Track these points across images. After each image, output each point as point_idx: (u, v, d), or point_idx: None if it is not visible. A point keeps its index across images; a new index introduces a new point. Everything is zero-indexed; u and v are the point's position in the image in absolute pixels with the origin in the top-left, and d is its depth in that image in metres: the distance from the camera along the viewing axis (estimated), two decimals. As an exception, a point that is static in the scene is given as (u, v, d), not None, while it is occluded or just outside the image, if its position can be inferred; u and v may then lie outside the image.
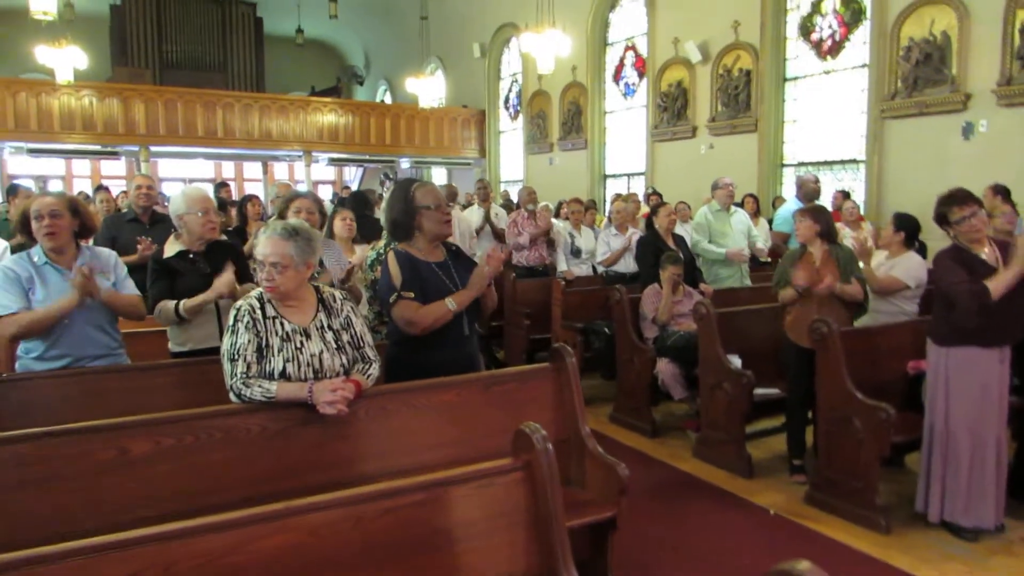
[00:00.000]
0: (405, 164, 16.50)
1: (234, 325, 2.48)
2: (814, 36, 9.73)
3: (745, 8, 10.14)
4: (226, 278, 3.14)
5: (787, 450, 4.42)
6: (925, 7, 8.12)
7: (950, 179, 7.28)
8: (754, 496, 4.12)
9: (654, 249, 5.32)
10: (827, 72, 9.59)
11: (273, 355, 2.46)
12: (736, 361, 4.47)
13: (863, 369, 3.96)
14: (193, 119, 13.80)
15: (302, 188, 15.08)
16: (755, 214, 7.80)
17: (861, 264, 4.48)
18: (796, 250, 4.40)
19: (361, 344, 2.67)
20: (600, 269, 6.68)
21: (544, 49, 10.37)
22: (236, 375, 2.43)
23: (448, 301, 2.87)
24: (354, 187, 16.69)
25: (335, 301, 2.67)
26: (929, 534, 3.63)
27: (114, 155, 14.50)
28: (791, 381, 4.29)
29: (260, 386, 2.41)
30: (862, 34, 9.06)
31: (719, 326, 4.54)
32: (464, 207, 8.51)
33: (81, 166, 18.20)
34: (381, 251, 3.57)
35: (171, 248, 3.35)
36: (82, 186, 16.02)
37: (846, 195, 7.87)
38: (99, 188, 9.76)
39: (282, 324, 2.51)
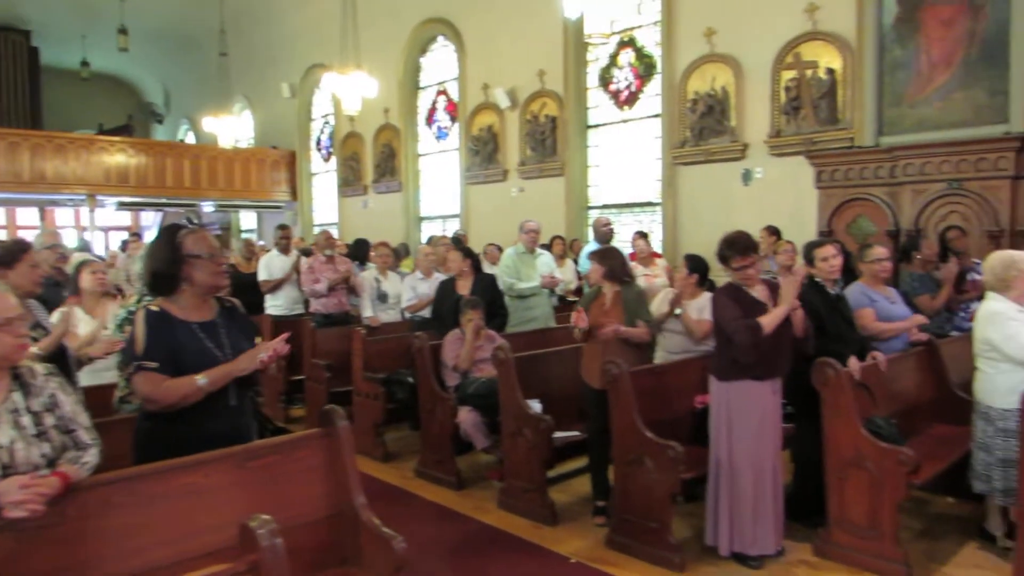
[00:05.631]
0: (208, 208, 15.41)
1: None
2: (612, 87, 10.29)
3: (549, 58, 10.53)
4: None
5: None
6: (707, 64, 8.84)
7: (733, 221, 7.85)
8: (557, 544, 4.01)
9: (451, 294, 5.17)
10: (625, 121, 10.15)
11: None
12: (536, 406, 4.39)
13: (656, 407, 4.01)
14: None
15: (87, 236, 13.59)
16: (562, 256, 7.95)
17: (679, 312, 4.57)
18: (591, 292, 4.42)
19: (72, 427, 2.20)
20: (407, 316, 6.43)
21: (350, 90, 10.12)
22: None
23: (199, 378, 2.44)
24: (153, 233, 15.31)
25: (35, 377, 2.19)
26: (720, 566, 3.70)
27: None
28: (590, 422, 4.26)
29: None
30: (655, 86, 9.69)
31: (520, 370, 4.45)
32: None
33: None
34: (133, 308, 3.10)
35: None
36: None
37: (643, 235, 8.24)
38: None
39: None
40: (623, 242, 9.00)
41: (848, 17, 7.62)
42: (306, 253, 7.67)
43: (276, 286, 6.90)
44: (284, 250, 7.14)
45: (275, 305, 6.97)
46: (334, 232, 13.89)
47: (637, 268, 6.67)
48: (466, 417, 4.68)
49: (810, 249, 4.31)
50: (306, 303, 6.96)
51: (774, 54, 8.17)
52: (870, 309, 4.54)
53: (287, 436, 2.82)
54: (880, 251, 4.67)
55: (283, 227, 7.42)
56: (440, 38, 12.54)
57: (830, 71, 7.82)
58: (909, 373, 4.48)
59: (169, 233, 2.60)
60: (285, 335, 2.56)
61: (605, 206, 10.28)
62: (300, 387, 6.42)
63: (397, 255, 8.68)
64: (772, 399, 3.70)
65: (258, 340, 2.73)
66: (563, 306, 6.96)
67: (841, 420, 3.69)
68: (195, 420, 2.48)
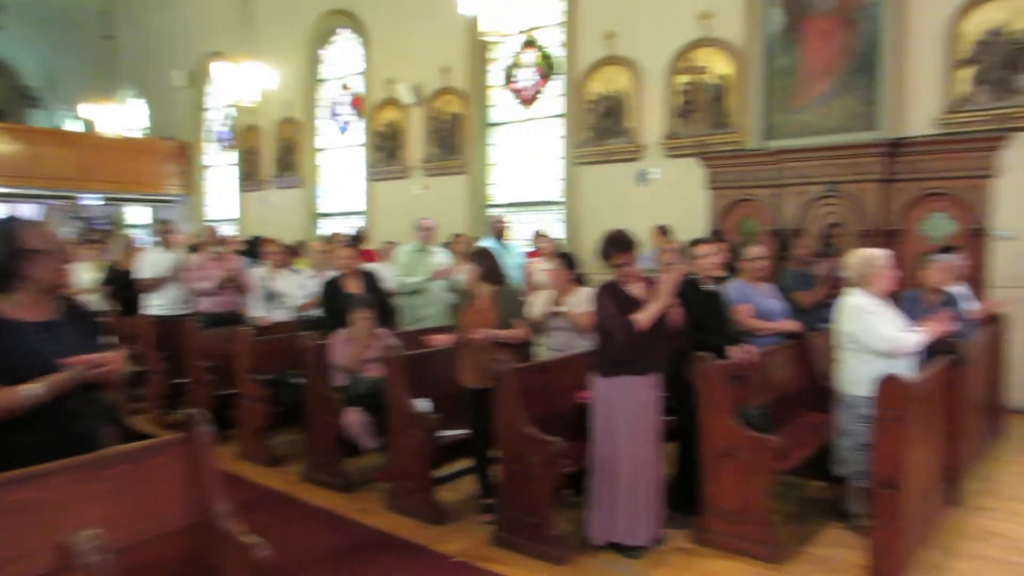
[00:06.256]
0: (94, 201, 14.53)
1: None
2: (515, 86, 10.35)
3: (454, 55, 10.48)
4: None
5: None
6: (606, 67, 9.01)
7: (631, 220, 8.03)
8: (442, 544, 3.99)
9: (337, 292, 5.07)
10: (528, 120, 10.22)
11: None
12: (426, 405, 4.36)
13: (540, 403, 4.05)
14: None
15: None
16: (463, 254, 7.92)
17: (564, 309, 4.63)
18: (468, 293, 4.42)
19: None
20: (298, 314, 6.26)
21: (247, 81, 9.77)
22: None
23: (26, 388, 2.24)
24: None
25: None
26: (599, 557, 3.77)
27: None
28: (471, 421, 4.26)
29: None
30: (557, 86, 9.80)
31: (410, 369, 4.40)
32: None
33: None
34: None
35: None
36: None
37: (543, 234, 8.33)
38: None
39: None
40: (524, 240, 9.09)
41: (737, 25, 7.94)
42: (195, 250, 7.34)
43: (157, 284, 6.57)
44: (166, 246, 6.81)
45: (157, 305, 6.62)
46: (233, 229, 13.42)
47: (539, 264, 6.76)
48: (353, 418, 4.59)
49: (690, 247, 4.46)
50: (191, 302, 6.66)
51: (669, 59, 8.42)
52: (747, 305, 4.75)
53: (142, 443, 2.67)
54: (758, 250, 4.89)
55: (164, 222, 7.07)
56: (343, 30, 12.28)
57: (721, 77, 8.12)
58: (782, 365, 4.70)
59: (4, 226, 2.42)
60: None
61: (507, 204, 10.34)
62: (183, 391, 6.14)
63: (294, 252, 8.46)
64: (651, 394, 3.80)
65: (107, 340, 2.58)
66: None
67: (715, 412, 3.83)
68: (32, 427, 2.30)
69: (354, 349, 4.83)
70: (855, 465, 3.87)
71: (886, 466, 3.32)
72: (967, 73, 6.68)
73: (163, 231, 6.88)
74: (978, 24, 6.61)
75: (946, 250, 5.46)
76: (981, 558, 3.72)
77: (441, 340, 4.48)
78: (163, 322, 6.40)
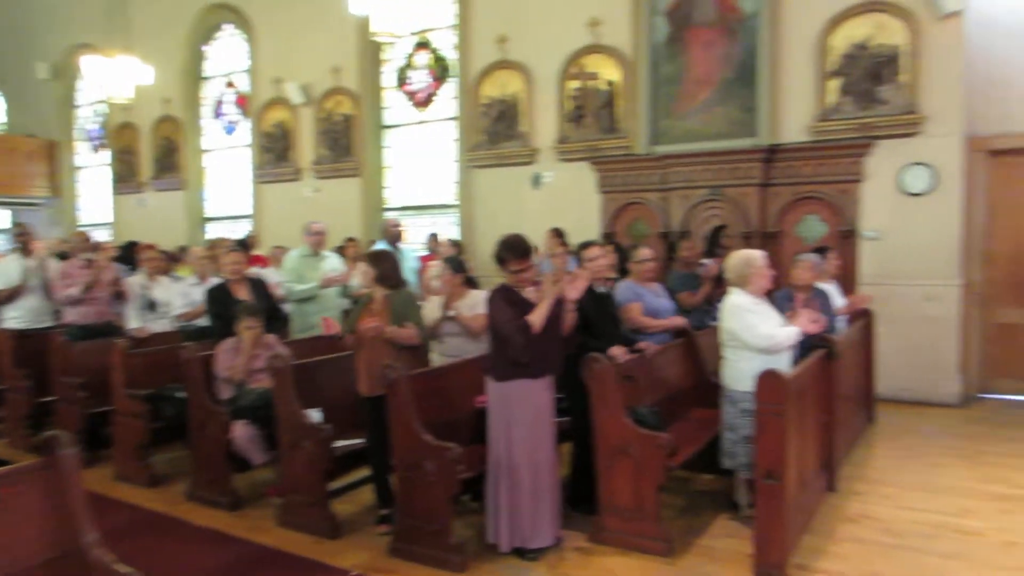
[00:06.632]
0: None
1: None
2: (408, 88, 10.23)
3: (345, 55, 10.25)
4: None
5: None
6: (500, 71, 9.05)
7: (526, 223, 8.13)
8: (339, 558, 3.86)
9: (219, 300, 4.83)
10: (422, 122, 10.13)
11: None
12: (317, 415, 4.21)
13: (437, 409, 4.00)
14: None
15: None
16: (355, 258, 7.73)
17: (452, 314, 4.59)
18: (365, 296, 4.32)
19: None
20: (180, 324, 5.92)
21: (117, 76, 9.17)
22: None
23: None
24: None
25: None
26: (499, 562, 3.75)
27: None
28: (368, 430, 4.16)
29: None
30: (451, 89, 9.76)
31: (300, 379, 4.24)
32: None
33: None
34: None
35: None
36: None
37: (437, 237, 8.29)
38: None
39: None
40: (418, 244, 9.00)
41: (625, 33, 8.16)
42: (63, 257, 6.82)
43: (12, 294, 6.03)
44: (23, 253, 6.26)
45: (14, 317, 6.07)
46: (108, 234, 12.61)
47: (434, 268, 6.69)
48: (241, 432, 4.38)
49: (579, 250, 4.52)
50: (58, 314, 6.16)
51: (561, 64, 8.56)
52: (637, 304, 4.88)
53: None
54: (645, 252, 5.03)
55: (19, 225, 6.49)
56: (227, 26, 11.77)
57: (610, 83, 8.32)
58: (671, 363, 4.85)
59: None
60: None
61: (402, 208, 10.21)
62: (50, 409, 5.67)
63: (175, 259, 8.04)
64: (546, 396, 3.82)
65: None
66: (350, 312, 6.78)
67: (608, 411, 3.90)
68: None
69: (240, 359, 4.61)
70: (741, 458, 4.03)
71: (768, 458, 3.48)
72: (835, 84, 7.15)
73: (19, 236, 6.29)
74: (844, 38, 7.08)
75: (819, 250, 5.80)
76: (856, 540, 3.97)
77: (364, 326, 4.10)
78: (24, 336, 5.89)
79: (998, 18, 6.98)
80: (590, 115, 8.47)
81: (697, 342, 5.11)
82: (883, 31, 6.91)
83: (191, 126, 12.15)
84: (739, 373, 4.00)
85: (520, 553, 3.78)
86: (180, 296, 5.77)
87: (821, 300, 5.08)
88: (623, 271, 5.52)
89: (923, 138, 6.78)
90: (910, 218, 6.90)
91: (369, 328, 3.93)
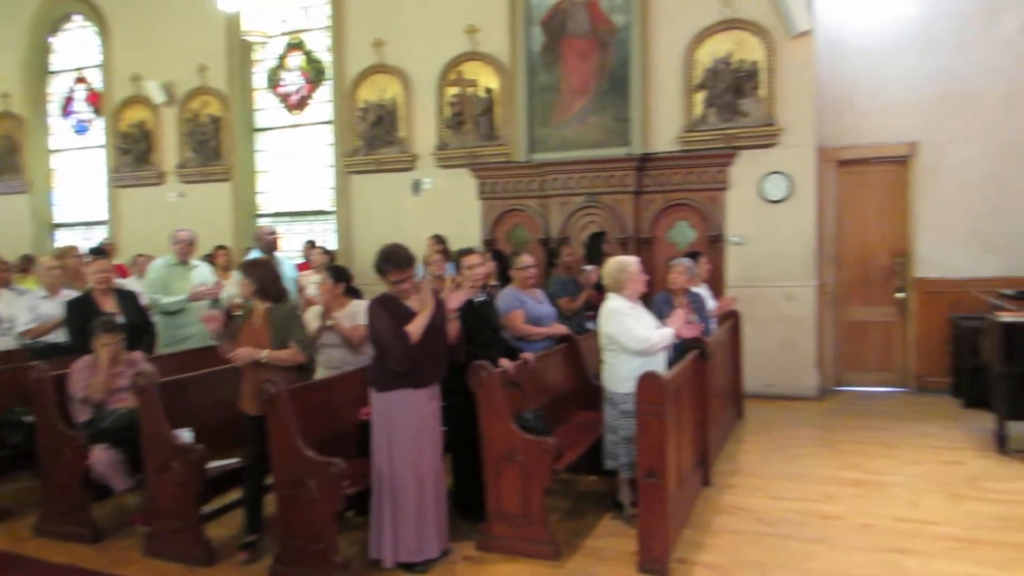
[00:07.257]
0: None
1: None
2: (281, 89, 9.87)
3: (211, 53, 9.74)
4: None
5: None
6: (377, 75, 8.90)
7: (406, 229, 8.04)
8: (213, 586, 3.64)
9: (84, 313, 4.45)
10: (296, 125, 9.80)
11: None
12: (187, 435, 3.95)
13: (321, 423, 3.86)
14: None
15: None
16: (226, 268, 7.35)
17: (330, 323, 4.43)
18: (245, 308, 4.10)
19: None
20: (26, 342, 5.39)
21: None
22: None
23: None
24: None
25: None
26: (386, 577, 3.66)
27: None
28: (251, 449, 3.94)
29: None
30: (326, 92, 9.49)
31: (168, 397, 3.96)
32: None
33: None
34: None
35: None
36: None
37: (313, 244, 8.03)
38: None
39: None
40: (295, 252, 8.69)
41: (503, 41, 8.24)
42: None
43: None
44: None
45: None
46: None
47: (310, 277, 6.47)
48: (100, 456, 4.03)
49: (458, 256, 4.51)
50: None
51: (439, 70, 8.52)
52: (520, 311, 4.92)
53: None
54: (526, 259, 5.08)
55: None
56: (76, 16, 10.89)
57: (488, 90, 8.37)
58: (554, 368, 4.93)
59: None
60: None
61: (276, 214, 9.82)
62: None
63: (23, 269, 7.33)
64: (430, 405, 3.77)
65: None
66: (231, 321, 6.41)
67: (495, 418, 3.90)
68: None
69: (99, 378, 4.25)
70: (622, 458, 4.14)
71: (649, 457, 3.60)
72: (701, 96, 7.53)
73: None
74: (708, 53, 7.48)
75: (692, 255, 6.08)
76: (732, 531, 4.17)
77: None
78: None
79: (845, 40, 7.63)
80: (469, 122, 8.49)
81: (579, 346, 5.22)
82: (743, 47, 7.36)
83: (36, 124, 11.16)
84: (618, 375, 4.12)
85: (407, 567, 3.70)
86: (26, 311, 5.25)
87: (696, 303, 5.32)
88: (504, 278, 5.55)
89: (780, 149, 7.28)
90: (770, 224, 7.38)
91: (241, 355, 3.73)
